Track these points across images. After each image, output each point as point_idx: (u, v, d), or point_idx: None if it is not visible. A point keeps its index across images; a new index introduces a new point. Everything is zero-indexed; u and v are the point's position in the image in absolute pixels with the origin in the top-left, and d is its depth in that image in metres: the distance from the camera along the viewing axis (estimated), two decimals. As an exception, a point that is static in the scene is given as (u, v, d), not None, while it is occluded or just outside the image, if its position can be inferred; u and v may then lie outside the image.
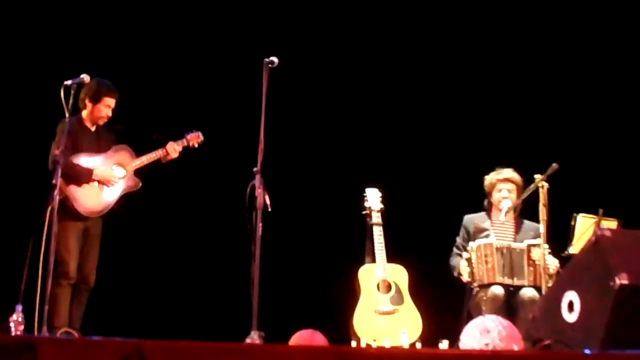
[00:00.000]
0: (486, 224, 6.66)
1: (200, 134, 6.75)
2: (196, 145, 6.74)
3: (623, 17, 7.87)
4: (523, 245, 6.38)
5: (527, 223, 6.64)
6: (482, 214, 6.76)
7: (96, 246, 6.48)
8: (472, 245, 6.42)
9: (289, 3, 8.07)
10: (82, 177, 6.31)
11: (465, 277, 6.41)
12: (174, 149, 6.62)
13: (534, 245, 6.29)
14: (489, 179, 6.71)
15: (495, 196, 6.66)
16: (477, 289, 6.35)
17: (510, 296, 6.28)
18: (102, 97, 6.46)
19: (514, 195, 6.61)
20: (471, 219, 6.73)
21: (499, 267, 6.31)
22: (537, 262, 6.26)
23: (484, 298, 6.22)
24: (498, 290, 6.23)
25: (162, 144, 6.62)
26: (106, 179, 6.39)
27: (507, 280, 6.30)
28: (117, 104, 6.53)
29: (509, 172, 6.65)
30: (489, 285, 6.26)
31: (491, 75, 8.01)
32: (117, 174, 6.46)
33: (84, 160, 6.37)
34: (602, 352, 4.36)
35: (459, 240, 6.71)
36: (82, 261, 6.37)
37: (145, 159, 6.56)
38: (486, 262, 6.32)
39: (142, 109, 7.28)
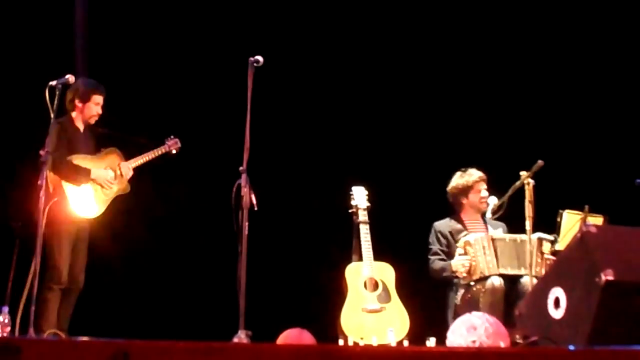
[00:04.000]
0: (459, 226, 6.65)
1: (178, 140, 6.78)
2: (174, 152, 6.76)
3: (606, 14, 7.89)
4: (528, 237, 6.26)
5: (492, 222, 6.67)
6: (448, 219, 6.72)
7: (84, 247, 6.48)
8: (467, 239, 6.36)
9: (273, 2, 8.06)
10: (82, 176, 6.30)
11: (463, 274, 6.32)
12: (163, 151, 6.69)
13: (545, 239, 6.27)
14: (463, 181, 6.69)
15: (475, 197, 6.66)
16: (473, 282, 6.29)
17: (510, 287, 6.21)
18: (91, 96, 6.50)
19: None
20: (444, 223, 6.70)
21: (502, 256, 6.24)
22: (545, 256, 6.23)
23: (483, 290, 6.17)
24: (497, 282, 6.16)
25: (143, 147, 6.64)
26: (101, 181, 6.40)
27: (511, 271, 6.23)
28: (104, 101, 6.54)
29: (479, 172, 6.69)
30: (486, 277, 6.20)
31: (476, 73, 8.03)
32: (110, 177, 6.47)
33: (79, 162, 6.36)
34: (588, 348, 4.36)
35: (435, 246, 6.63)
36: (71, 262, 6.35)
37: (141, 160, 6.59)
38: (485, 253, 6.27)
39: (128, 107, 7.26)
